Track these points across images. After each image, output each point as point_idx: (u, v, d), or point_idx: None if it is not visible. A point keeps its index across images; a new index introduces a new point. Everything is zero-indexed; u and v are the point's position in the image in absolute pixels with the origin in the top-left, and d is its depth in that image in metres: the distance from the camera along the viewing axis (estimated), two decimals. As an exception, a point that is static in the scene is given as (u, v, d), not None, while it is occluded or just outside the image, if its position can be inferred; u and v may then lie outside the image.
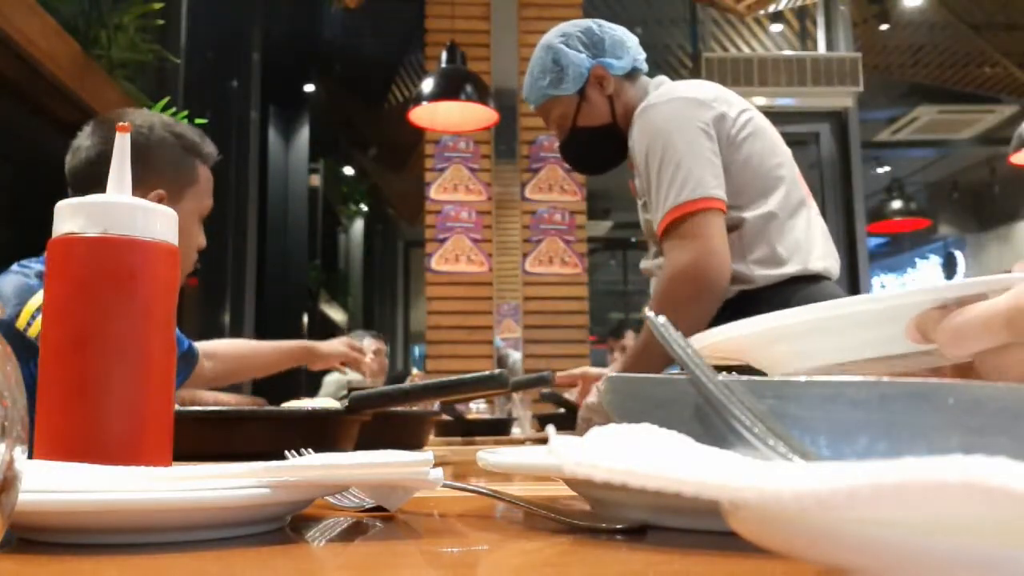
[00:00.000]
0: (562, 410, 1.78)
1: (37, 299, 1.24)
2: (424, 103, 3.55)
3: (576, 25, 1.75)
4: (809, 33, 5.81)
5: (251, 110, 5.14)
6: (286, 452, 0.57)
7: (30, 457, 0.43)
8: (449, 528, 0.47)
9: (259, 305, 5.25)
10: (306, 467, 0.39)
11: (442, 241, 4.56)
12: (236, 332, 4.69)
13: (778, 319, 0.51)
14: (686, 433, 0.31)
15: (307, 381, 6.03)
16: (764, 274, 1.54)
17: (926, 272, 9.80)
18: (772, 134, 1.66)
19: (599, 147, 1.77)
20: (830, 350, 0.53)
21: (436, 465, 0.43)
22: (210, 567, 0.34)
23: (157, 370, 0.51)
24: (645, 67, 1.77)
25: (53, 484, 0.35)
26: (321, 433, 0.79)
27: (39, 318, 1.17)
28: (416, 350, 9.79)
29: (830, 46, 5.53)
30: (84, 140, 1.37)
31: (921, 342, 0.48)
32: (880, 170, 8.07)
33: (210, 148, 1.45)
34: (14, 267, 1.34)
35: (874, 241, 9.07)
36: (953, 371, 0.51)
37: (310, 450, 0.59)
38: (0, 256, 1.44)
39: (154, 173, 1.35)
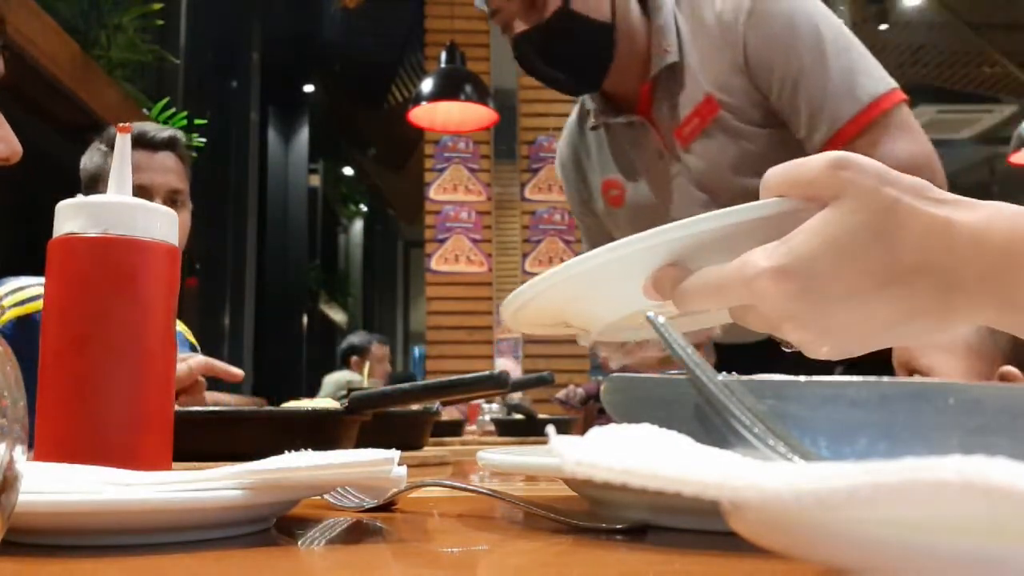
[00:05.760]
0: (520, 416, 1.92)
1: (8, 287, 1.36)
2: (424, 103, 3.55)
3: None
4: (809, 33, 5.80)
5: (251, 110, 5.14)
6: (286, 452, 0.57)
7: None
8: (449, 528, 0.47)
9: (259, 305, 5.25)
10: (266, 470, 0.38)
11: (442, 241, 4.56)
12: (236, 332, 4.69)
13: (548, 274, 0.48)
14: (686, 433, 0.31)
15: (307, 381, 6.03)
16: None
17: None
18: None
19: (586, 48, 1.23)
20: (616, 302, 0.51)
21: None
22: (210, 568, 0.34)
23: (157, 370, 0.51)
24: None
25: (40, 486, 0.35)
26: (321, 433, 0.79)
27: (10, 298, 1.31)
28: (416, 350, 9.78)
29: (830, 46, 5.52)
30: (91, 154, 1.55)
31: (657, 299, 0.48)
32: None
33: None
34: None
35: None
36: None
37: (310, 450, 0.59)
38: (0, 255, 1.45)
39: None
